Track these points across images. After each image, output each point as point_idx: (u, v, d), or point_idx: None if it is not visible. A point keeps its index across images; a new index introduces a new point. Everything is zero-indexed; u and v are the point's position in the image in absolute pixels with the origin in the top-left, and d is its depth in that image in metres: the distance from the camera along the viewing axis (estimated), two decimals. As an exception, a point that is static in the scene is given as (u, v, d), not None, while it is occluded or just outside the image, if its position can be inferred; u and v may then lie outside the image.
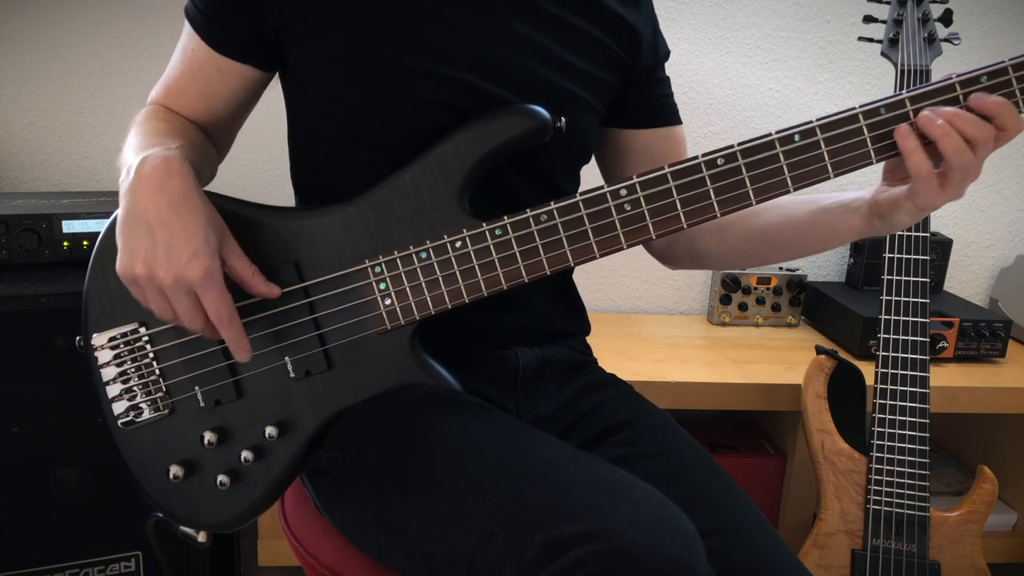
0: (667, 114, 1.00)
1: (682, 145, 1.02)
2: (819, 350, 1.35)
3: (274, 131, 0.95)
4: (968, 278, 1.97)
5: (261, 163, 1.72)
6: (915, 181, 0.75)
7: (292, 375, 0.82)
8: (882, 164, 0.80)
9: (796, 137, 0.76)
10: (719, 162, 0.77)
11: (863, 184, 1.44)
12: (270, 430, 0.81)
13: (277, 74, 0.90)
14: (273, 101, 0.92)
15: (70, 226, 1.29)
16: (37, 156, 1.66)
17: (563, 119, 0.81)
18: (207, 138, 0.89)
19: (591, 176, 0.97)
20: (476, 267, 0.80)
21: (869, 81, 1.82)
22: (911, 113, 0.75)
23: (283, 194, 0.96)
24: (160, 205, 0.71)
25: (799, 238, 0.91)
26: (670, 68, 1.01)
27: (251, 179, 1.73)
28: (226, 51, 0.84)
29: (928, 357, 1.24)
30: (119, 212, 0.74)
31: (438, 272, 0.80)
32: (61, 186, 1.68)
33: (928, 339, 1.24)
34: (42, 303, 1.22)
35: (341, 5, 0.80)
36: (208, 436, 0.82)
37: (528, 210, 0.79)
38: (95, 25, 1.61)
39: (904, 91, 0.75)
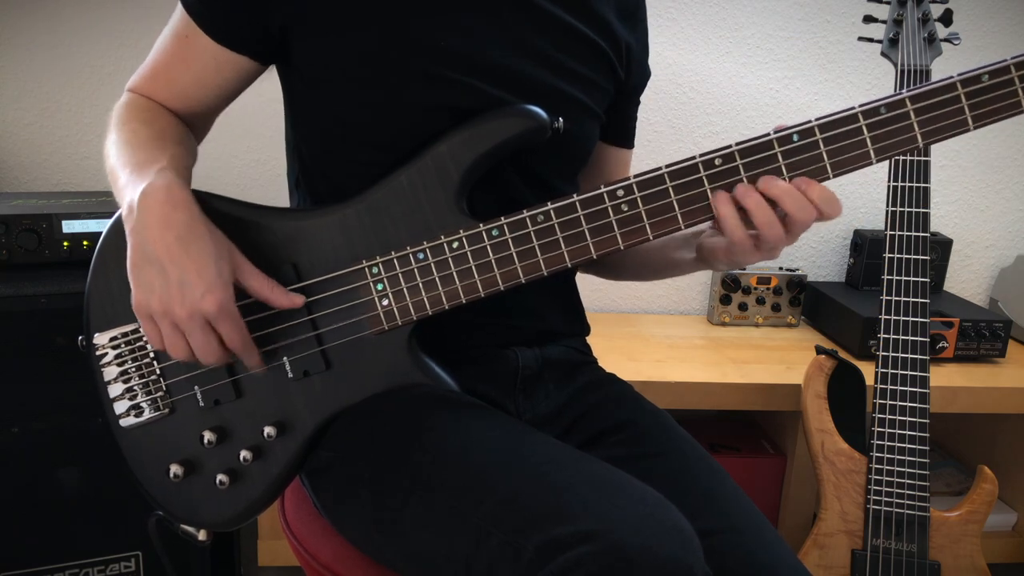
0: (630, 136, 1.04)
1: (628, 168, 1.07)
2: (819, 350, 1.35)
3: (274, 131, 0.95)
4: (968, 278, 1.97)
5: (261, 163, 1.72)
6: (730, 243, 0.78)
7: (290, 375, 0.82)
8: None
9: (795, 137, 0.75)
10: (716, 162, 0.76)
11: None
12: (269, 430, 0.82)
13: (277, 74, 0.89)
14: (273, 101, 0.92)
15: (70, 226, 1.29)
16: (37, 156, 1.66)
17: (560, 119, 0.81)
18: (187, 128, 0.88)
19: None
20: (473, 268, 0.80)
21: (869, 81, 1.82)
22: (911, 112, 0.74)
23: (283, 194, 0.97)
24: (169, 241, 0.72)
25: (651, 265, 0.99)
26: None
27: (251, 179, 1.73)
28: (226, 41, 0.82)
29: (928, 357, 1.24)
30: (128, 250, 0.74)
31: (435, 273, 0.80)
32: (61, 186, 1.69)
33: (928, 339, 1.24)
34: (42, 303, 1.22)
35: (347, 6, 0.80)
36: (208, 435, 0.82)
37: (525, 211, 0.79)
38: (96, 25, 1.61)
39: (905, 90, 0.75)
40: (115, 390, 0.83)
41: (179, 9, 0.84)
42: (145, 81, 0.88)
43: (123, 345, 0.83)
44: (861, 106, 0.75)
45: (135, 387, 0.83)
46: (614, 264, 1.06)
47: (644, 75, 1.00)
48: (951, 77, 0.74)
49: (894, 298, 1.24)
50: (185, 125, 0.89)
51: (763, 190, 0.75)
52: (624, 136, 1.03)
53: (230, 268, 0.75)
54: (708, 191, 0.77)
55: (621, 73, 0.93)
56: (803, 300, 1.79)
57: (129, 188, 0.76)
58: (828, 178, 0.76)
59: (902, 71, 1.24)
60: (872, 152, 0.75)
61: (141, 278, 0.73)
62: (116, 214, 0.81)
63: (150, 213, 0.73)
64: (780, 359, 1.59)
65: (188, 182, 0.78)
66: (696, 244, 0.87)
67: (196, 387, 0.82)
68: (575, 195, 0.78)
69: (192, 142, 0.89)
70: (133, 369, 0.83)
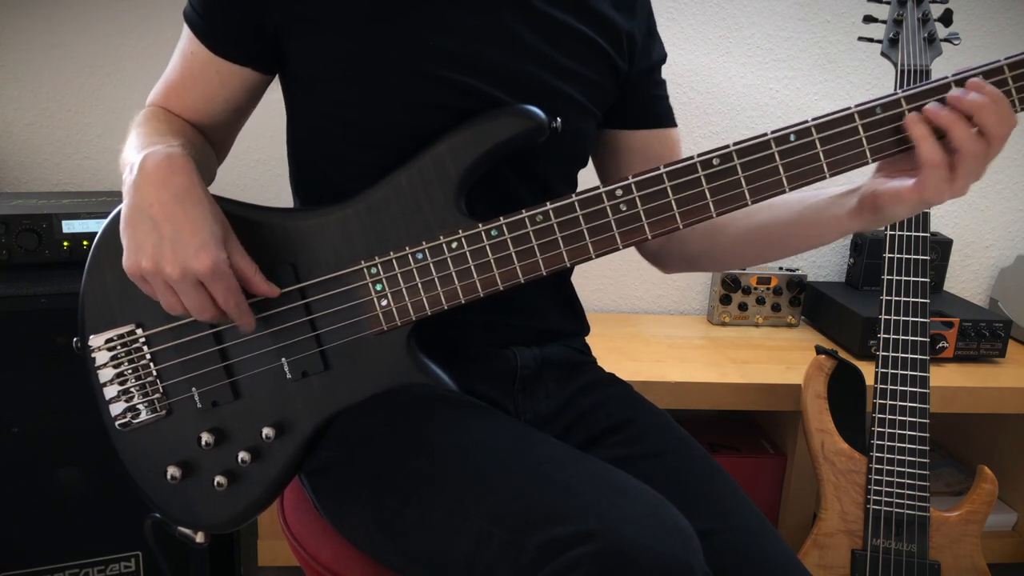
0: (662, 116, 1.00)
1: (677, 148, 1.02)
2: (819, 350, 1.35)
3: (274, 131, 0.95)
4: (968, 278, 1.97)
5: (261, 163, 1.72)
6: (926, 170, 0.73)
7: (289, 376, 0.82)
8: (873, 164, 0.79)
9: (792, 137, 0.75)
10: (715, 162, 0.76)
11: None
12: (267, 431, 0.82)
13: (277, 76, 0.89)
14: (273, 102, 0.92)
15: (70, 226, 1.29)
16: (37, 156, 1.66)
17: (558, 119, 0.81)
18: (206, 140, 0.89)
19: (587, 179, 0.97)
20: (472, 268, 0.80)
21: (869, 81, 1.81)
22: (906, 112, 0.74)
23: (283, 194, 0.96)
24: (164, 200, 0.71)
25: (787, 237, 0.90)
26: (671, 68, 1.00)
27: (251, 179, 1.73)
28: (225, 54, 0.84)
29: (928, 357, 1.24)
30: (123, 209, 0.74)
31: (434, 273, 0.80)
32: (61, 186, 1.69)
33: (928, 339, 1.24)
34: (42, 303, 1.22)
35: (343, 5, 0.80)
36: (205, 437, 0.82)
37: (524, 211, 0.79)
38: (95, 25, 1.61)
39: (900, 90, 0.75)
40: (111, 392, 0.83)
41: (184, 28, 0.85)
42: (161, 98, 0.90)
43: (119, 347, 0.82)
44: (857, 106, 0.75)
45: (131, 389, 0.83)
46: (730, 249, 0.98)
47: (652, 58, 0.97)
48: (946, 77, 0.74)
49: (894, 298, 1.24)
50: (204, 138, 0.89)
51: (954, 105, 0.72)
52: (656, 118, 0.99)
53: (223, 233, 0.74)
54: (706, 191, 0.77)
55: (624, 65, 0.93)
56: (803, 300, 1.79)
57: (133, 157, 0.76)
58: (824, 177, 0.76)
59: (902, 71, 1.24)
60: (868, 152, 0.75)
61: (133, 235, 0.72)
62: (111, 214, 0.81)
63: (150, 173, 0.73)
64: (780, 359, 1.59)
65: (197, 165, 0.77)
66: (857, 199, 0.80)
67: (194, 388, 0.82)
68: (574, 195, 0.79)
69: (210, 152, 0.89)
70: (129, 371, 0.83)
